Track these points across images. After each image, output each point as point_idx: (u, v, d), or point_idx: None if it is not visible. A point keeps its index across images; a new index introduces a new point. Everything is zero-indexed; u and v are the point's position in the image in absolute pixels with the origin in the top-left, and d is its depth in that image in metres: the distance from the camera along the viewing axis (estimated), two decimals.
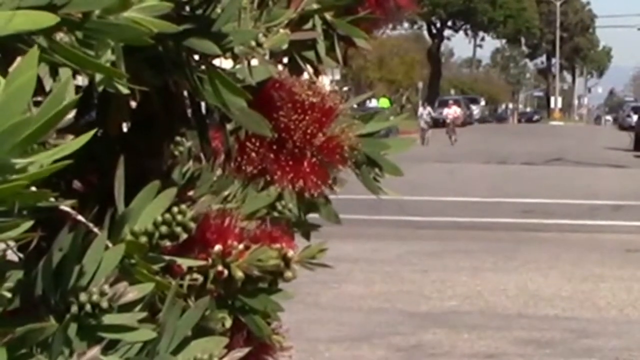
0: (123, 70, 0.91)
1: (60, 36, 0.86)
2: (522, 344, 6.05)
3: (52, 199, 0.83)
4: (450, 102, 41.54)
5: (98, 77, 0.92)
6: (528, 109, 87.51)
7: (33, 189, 0.79)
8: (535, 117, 73.47)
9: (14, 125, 0.73)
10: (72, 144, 0.79)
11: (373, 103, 40.99)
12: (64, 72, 0.91)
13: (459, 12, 63.66)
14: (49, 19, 0.80)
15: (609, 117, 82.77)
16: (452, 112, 35.72)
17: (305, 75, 1.30)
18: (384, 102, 39.13)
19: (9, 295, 0.93)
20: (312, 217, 1.39)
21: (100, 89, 0.93)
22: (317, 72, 1.30)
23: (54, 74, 0.93)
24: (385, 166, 1.38)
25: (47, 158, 0.77)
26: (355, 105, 1.36)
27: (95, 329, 0.95)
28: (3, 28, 0.78)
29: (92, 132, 0.80)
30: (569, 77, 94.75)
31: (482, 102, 63.81)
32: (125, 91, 0.93)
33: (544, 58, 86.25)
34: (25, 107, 0.74)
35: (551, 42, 77.86)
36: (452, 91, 65.04)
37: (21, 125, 0.73)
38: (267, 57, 1.13)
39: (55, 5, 0.84)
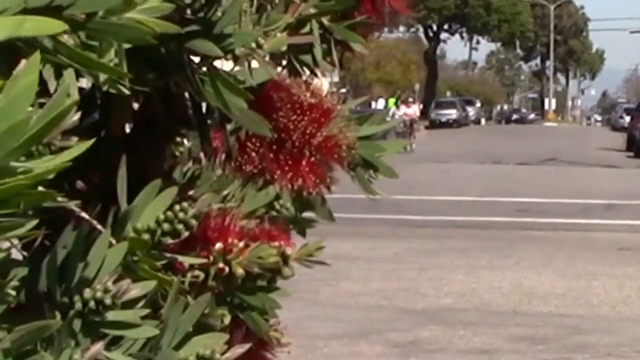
0: (125, 70, 0.92)
1: (64, 38, 0.88)
2: (517, 341, 6.07)
3: (58, 199, 0.84)
4: (410, 100, 34.08)
5: (102, 77, 0.94)
6: (506, 108, 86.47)
7: (40, 188, 0.80)
8: (514, 117, 70.97)
9: (13, 128, 0.73)
10: (74, 150, 0.79)
11: (380, 104, 39.44)
12: (68, 75, 0.93)
13: (455, 16, 63.52)
14: (57, 25, 0.81)
15: (597, 118, 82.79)
16: (411, 111, 29.54)
17: (304, 77, 1.31)
18: (392, 103, 35.39)
19: (13, 293, 0.94)
20: (308, 214, 1.40)
21: (104, 88, 0.94)
22: (314, 75, 1.32)
23: (58, 75, 0.93)
24: (380, 168, 1.40)
25: (49, 162, 0.78)
26: (358, 107, 1.38)
27: (99, 325, 0.96)
28: (13, 32, 0.79)
29: (92, 140, 0.81)
30: (562, 79, 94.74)
31: (478, 104, 63.52)
32: (127, 92, 0.94)
33: (538, 61, 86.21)
34: (26, 110, 0.75)
35: (545, 45, 77.74)
36: (448, 93, 64.91)
37: (21, 127, 0.74)
38: (266, 59, 1.14)
39: (60, 6, 0.85)
